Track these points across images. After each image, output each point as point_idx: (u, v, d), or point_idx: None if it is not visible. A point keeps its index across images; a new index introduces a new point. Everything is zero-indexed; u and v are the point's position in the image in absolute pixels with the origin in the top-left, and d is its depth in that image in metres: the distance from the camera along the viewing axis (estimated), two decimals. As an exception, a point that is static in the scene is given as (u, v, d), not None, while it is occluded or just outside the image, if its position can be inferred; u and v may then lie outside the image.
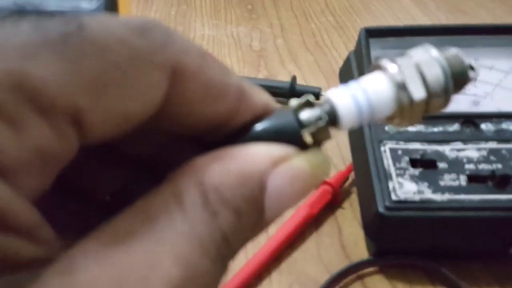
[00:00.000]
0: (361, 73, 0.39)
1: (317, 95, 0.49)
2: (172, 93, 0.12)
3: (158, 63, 0.11)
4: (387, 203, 0.31)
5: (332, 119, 0.13)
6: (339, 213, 0.38)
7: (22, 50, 0.10)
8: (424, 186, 0.31)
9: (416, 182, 0.32)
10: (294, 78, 0.50)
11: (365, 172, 0.34)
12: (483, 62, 0.40)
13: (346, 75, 0.43)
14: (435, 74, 0.14)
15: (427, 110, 0.14)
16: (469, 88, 0.39)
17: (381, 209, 0.31)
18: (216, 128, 0.13)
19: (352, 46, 0.44)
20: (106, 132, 0.11)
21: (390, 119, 0.15)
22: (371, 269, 0.33)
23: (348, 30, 0.63)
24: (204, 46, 0.60)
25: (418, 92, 0.14)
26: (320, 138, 0.13)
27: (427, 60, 0.14)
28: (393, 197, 0.31)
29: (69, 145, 0.11)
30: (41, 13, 0.11)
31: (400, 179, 0.32)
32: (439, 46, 0.44)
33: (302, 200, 0.13)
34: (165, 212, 0.11)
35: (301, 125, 0.13)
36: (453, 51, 0.15)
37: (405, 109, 0.14)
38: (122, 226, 0.11)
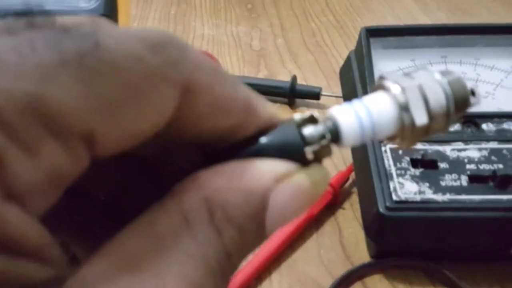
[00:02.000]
0: (362, 72, 0.39)
1: (318, 95, 0.48)
2: (181, 108, 0.12)
3: (171, 80, 0.11)
4: (388, 203, 0.31)
5: (335, 136, 0.14)
6: (340, 213, 0.38)
7: (39, 72, 0.10)
8: (425, 186, 0.31)
9: (417, 182, 0.32)
10: (294, 78, 0.49)
11: (365, 172, 0.34)
12: (484, 62, 0.39)
13: (346, 74, 0.43)
14: (438, 98, 0.14)
15: (427, 132, 0.14)
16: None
17: (381, 209, 0.31)
18: (220, 139, 0.13)
19: (352, 46, 0.44)
20: (116, 148, 0.11)
21: (391, 138, 0.15)
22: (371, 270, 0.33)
23: (348, 30, 0.63)
24: (204, 46, 0.60)
25: (420, 118, 0.14)
26: (321, 154, 0.14)
27: (431, 84, 0.14)
28: (394, 197, 0.31)
29: (81, 164, 0.11)
30: (52, 19, 0.11)
31: (401, 179, 0.32)
32: (440, 45, 0.44)
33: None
34: (172, 231, 0.11)
35: (304, 142, 0.13)
36: (455, 75, 0.15)
37: (406, 130, 0.14)
38: (130, 245, 0.11)
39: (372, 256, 0.34)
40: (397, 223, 0.31)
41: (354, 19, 0.66)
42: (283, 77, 0.53)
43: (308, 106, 0.50)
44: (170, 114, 0.12)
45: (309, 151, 0.13)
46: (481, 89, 0.38)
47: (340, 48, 0.59)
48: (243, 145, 0.13)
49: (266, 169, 0.13)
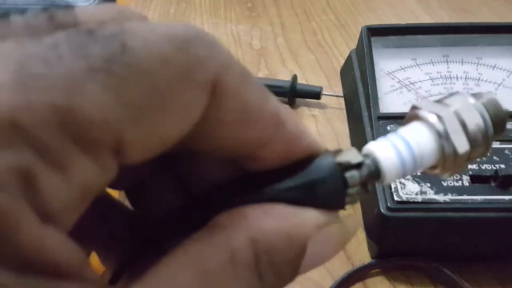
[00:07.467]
0: (363, 72, 0.39)
1: (318, 95, 0.48)
2: (208, 111, 0.11)
3: (199, 80, 0.11)
4: (389, 204, 0.30)
5: (376, 176, 0.14)
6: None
7: (66, 82, 0.09)
8: (426, 187, 0.31)
9: (419, 183, 0.31)
10: (295, 77, 0.49)
11: (366, 172, 0.34)
12: (486, 61, 0.39)
13: (347, 74, 0.43)
14: (476, 123, 0.14)
15: (469, 159, 0.14)
16: (472, 88, 0.38)
17: (383, 210, 0.30)
18: (244, 155, 0.13)
19: (353, 45, 0.44)
20: (143, 155, 0.11)
21: (432, 169, 0.14)
22: (372, 270, 0.33)
23: (349, 29, 0.63)
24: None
25: (462, 145, 0.14)
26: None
27: (466, 108, 0.14)
28: (396, 198, 0.31)
29: (110, 175, 0.10)
30: (74, 14, 0.11)
31: (402, 180, 0.32)
32: (442, 44, 0.43)
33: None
34: (219, 269, 0.11)
35: (346, 192, 0.14)
36: (489, 96, 0.14)
37: (448, 159, 0.14)
38: (177, 277, 0.11)
39: (373, 257, 0.34)
40: (398, 224, 0.31)
41: (355, 18, 0.66)
42: (283, 76, 0.53)
43: (308, 105, 0.49)
44: (199, 117, 0.11)
45: (348, 202, 0.14)
46: (483, 89, 0.38)
47: (341, 47, 0.59)
48: (282, 175, 0.13)
49: (310, 217, 0.13)
